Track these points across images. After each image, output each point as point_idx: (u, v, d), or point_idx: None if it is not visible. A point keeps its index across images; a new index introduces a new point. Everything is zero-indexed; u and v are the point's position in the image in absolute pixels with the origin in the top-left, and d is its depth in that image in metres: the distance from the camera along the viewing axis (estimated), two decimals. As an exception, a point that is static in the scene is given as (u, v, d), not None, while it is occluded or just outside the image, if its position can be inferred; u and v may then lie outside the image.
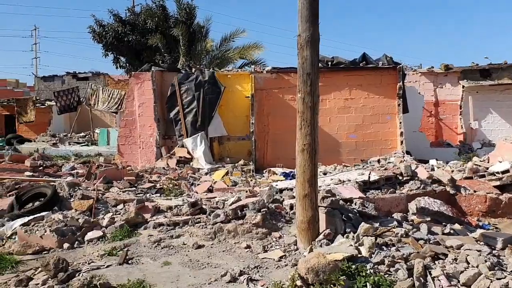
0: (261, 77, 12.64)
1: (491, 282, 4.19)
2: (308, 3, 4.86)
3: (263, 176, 10.97)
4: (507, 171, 7.42)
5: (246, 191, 8.01)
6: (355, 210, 5.59)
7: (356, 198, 5.84)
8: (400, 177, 6.86)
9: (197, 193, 8.54)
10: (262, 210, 5.64)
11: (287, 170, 10.33)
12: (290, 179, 9.25)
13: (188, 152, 12.35)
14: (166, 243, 5.50)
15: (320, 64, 12.48)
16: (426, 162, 11.19)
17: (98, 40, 22.92)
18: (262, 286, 4.26)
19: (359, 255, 4.59)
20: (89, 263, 4.97)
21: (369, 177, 6.74)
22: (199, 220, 5.96)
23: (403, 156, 11.23)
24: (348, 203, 5.76)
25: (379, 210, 5.81)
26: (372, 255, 4.62)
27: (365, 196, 6.07)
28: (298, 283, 4.10)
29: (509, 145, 8.58)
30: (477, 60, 16.80)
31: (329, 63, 12.74)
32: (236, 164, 12.09)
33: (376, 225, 5.30)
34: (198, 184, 9.47)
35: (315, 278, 4.08)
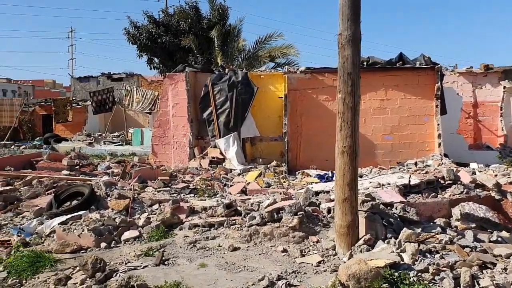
0: (295, 77, 12.50)
1: (545, 294, 3.95)
2: (349, 1, 4.72)
3: (296, 178, 10.83)
4: (557, 176, 7.04)
5: (280, 193, 7.91)
6: (395, 215, 5.39)
7: (396, 203, 5.63)
8: (442, 181, 6.59)
9: (230, 194, 8.50)
10: (298, 214, 5.51)
11: (321, 172, 10.17)
12: (325, 181, 9.08)
13: (221, 153, 12.35)
14: (202, 244, 5.46)
15: (355, 64, 12.39)
16: (465, 165, 10.79)
17: (133, 42, 23.27)
18: (301, 292, 4.15)
19: (401, 262, 4.40)
20: (126, 263, 4.98)
21: (409, 180, 6.51)
22: (234, 222, 5.90)
23: (441, 159, 10.87)
24: (389, 208, 5.56)
25: (420, 215, 5.58)
26: (416, 262, 4.43)
27: (406, 201, 5.85)
28: (339, 290, 3.97)
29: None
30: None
31: (365, 63, 12.48)
32: (268, 165, 12.00)
33: (418, 230, 5.10)
34: (231, 185, 9.43)
35: (356, 285, 3.95)
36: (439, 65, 12.21)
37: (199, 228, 5.87)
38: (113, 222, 5.99)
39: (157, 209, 6.83)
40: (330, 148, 12.65)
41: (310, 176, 10.14)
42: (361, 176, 9.13)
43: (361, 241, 4.91)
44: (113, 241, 5.67)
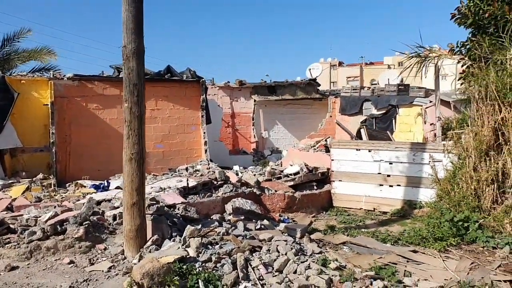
0: (62, 84, 11.84)
1: (298, 265, 5.04)
2: (133, 16, 4.99)
3: (68, 190, 10.30)
4: (297, 173, 8.80)
5: (55, 206, 7.51)
6: (178, 215, 5.89)
7: (178, 204, 6.15)
8: (215, 182, 7.46)
9: (-7, 212, 7.55)
10: (84, 223, 5.44)
11: (97, 182, 9.94)
12: (101, 191, 8.97)
13: (-28, 167, 10.71)
14: (-31, 269, 4.83)
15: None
16: (228, 168, 12.24)
17: None
18: (96, 298, 4.20)
19: (188, 256, 4.90)
20: None
21: (187, 183, 7.13)
22: (8, 240, 5.38)
23: (208, 164, 12.04)
24: (172, 209, 6.02)
25: (199, 213, 6.23)
26: (200, 254, 5.00)
27: (186, 201, 6.43)
28: (135, 289, 4.19)
29: (297, 151, 10.14)
30: (266, 78, 19.05)
31: (135, 73, 12.76)
32: (34, 179, 11.00)
33: (199, 227, 5.70)
34: (-9, 203, 8.36)
35: (150, 282, 4.24)
36: (203, 79, 13.49)
37: (-37, 253, 5.14)
38: None
39: None
40: (102, 158, 12.44)
41: (85, 186, 9.80)
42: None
43: (149, 242, 5.21)
44: None
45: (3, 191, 9.66)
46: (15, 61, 20.44)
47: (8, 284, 4.51)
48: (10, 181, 10.64)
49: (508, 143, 6.86)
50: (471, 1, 9.16)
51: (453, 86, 11.86)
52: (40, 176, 11.26)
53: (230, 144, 17.68)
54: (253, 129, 17.98)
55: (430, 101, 12.09)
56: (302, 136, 17.78)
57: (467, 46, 9.20)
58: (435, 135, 11.27)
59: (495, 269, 5.28)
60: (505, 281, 4.88)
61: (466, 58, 9.28)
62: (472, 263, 5.46)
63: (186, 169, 11.25)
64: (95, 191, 9.03)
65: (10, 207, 7.90)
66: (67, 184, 10.88)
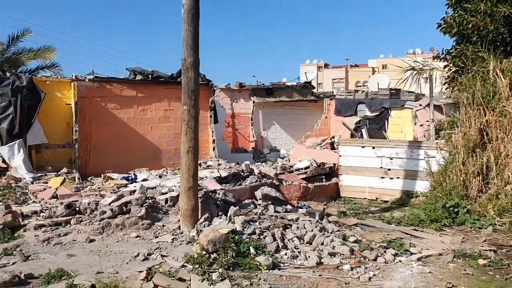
0: (83, 85, 12.76)
1: (324, 239, 6.19)
2: (192, 34, 6.08)
3: (93, 183, 11.24)
4: (308, 167, 9.97)
5: (96, 195, 8.56)
6: (219, 199, 6.99)
7: (218, 190, 7.25)
8: (242, 173, 8.58)
9: (43, 199, 8.53)
10: (144, 205, 6.50)
11: (125, 175, 10.92)
12: (131, 183, 9.97)
13: (4, 161, 11.57)
14: (56, 241, 5.85)
15: (140, 77, 13.57)
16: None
17: None
18: (173, 258, 5.27)
19: (236, 229, 6.01)
20: (-15, 264, 5.02)
21: (220, 174, 8.24)
22: (81, 219, 6.41)
23: (218, 160, 13.13)
24: (213, 194, 7.12)
25: (233, 198, 7.34)
26: (245, 229, 6.11)
27: (224, 188, 7.53)
28: (203, 252, 5.27)
29: (304, 148, 11.33)
30: (263, 80, 20.23)
31: (150, 76, 13.76)
32: (59, 173, 11.93)
33: (237, 208, 6.81)
34: (32, 193, 9.32)
35: (213, 247, 5.33)
36: (212, 82, 14.55)
37: (46, 228, 6.14)
38: None
39: (-20, 217, 6.57)
40: (120, 154, 13.38)
41: (114, 179, 10.77)
42: (160, 177, 10.46)
43: (201, 219, 6.31)
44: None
45: (36, 183, 10.60)
46: (21, 60, 21.26)
47: (94, 251, 5.55)
48: (38, 174, 11.56)
49: (491, 142, 8.16)
50: (456, 12, 10.41)
51: (439, 90, 13.24)
52: (64, 170, 12.18)
53: (230, 143, 18.72)
54: (252, 128, 19.08)
55: (420, 105, 13.42)
56: (297, 135, 19.00)
57: (452, 54, 10.49)
58: (424, 135, 12.60)
59: (482, 242, 6.54)
60: (489, 250, 6.12)
61: (451, 65, 10.59)
62: (463, 238, 6.71)
63: (200, 164, 12.28)
64: (127, 182, 10.02)
65: (55, 196, 8.91)
66: (89, 178, 11.83)
